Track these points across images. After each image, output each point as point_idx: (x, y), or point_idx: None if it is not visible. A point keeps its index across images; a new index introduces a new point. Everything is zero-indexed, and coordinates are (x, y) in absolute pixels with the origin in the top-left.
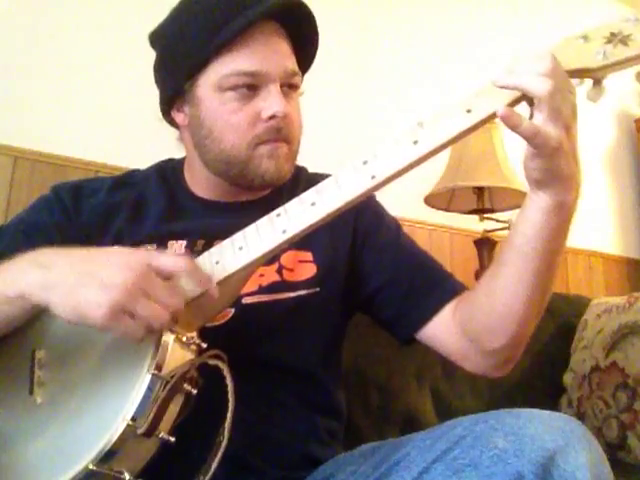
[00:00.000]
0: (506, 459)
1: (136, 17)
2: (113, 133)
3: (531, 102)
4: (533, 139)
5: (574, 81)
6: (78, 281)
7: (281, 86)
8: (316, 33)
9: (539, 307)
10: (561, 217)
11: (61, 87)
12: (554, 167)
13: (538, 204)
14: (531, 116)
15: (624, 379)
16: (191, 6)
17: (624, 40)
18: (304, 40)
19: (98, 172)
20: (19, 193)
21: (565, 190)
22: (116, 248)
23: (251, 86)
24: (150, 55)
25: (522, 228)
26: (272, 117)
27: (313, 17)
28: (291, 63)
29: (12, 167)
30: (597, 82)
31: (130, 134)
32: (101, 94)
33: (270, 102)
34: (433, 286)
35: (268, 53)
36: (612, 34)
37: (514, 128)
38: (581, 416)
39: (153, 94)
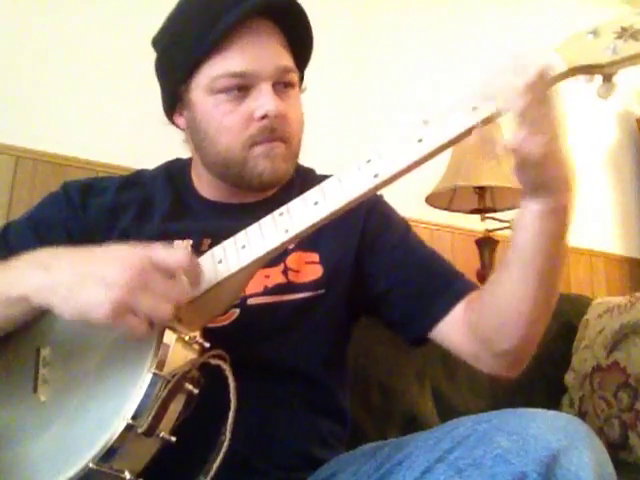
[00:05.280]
0: (509, 459)
1: (138, 17)
2: (114, 133)
3: None
4: (515, 153)
5: (583, 78)
6: (79, 281)
7: (275, 84)
8: (308, 26)
9: (547, 308)
10: (558, 221)
11: (63, 87)
12: (546, 175)
13: (533, 208)
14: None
15: (626, 379)
16: (183, 10)
17: (635, 35)
18: (297, 35)
19: (99, 172)
20: (21, 193)
21: (559, 195)
22: (116, 245)
23: (242, 87)
24: (151, 54)
25: (521, 233)
26: (265, 117)
27: (303, 11)
28: (284, 60)
29: (14, 167)
30: (607, 78)
31: (131, 134)
32: (103, 94)
33: (262, 101)
34: (443, 286)
35: (257, 52)
36: (623, 29)
37: (492, 148)
38: (582, 416)
39: (155, 94)
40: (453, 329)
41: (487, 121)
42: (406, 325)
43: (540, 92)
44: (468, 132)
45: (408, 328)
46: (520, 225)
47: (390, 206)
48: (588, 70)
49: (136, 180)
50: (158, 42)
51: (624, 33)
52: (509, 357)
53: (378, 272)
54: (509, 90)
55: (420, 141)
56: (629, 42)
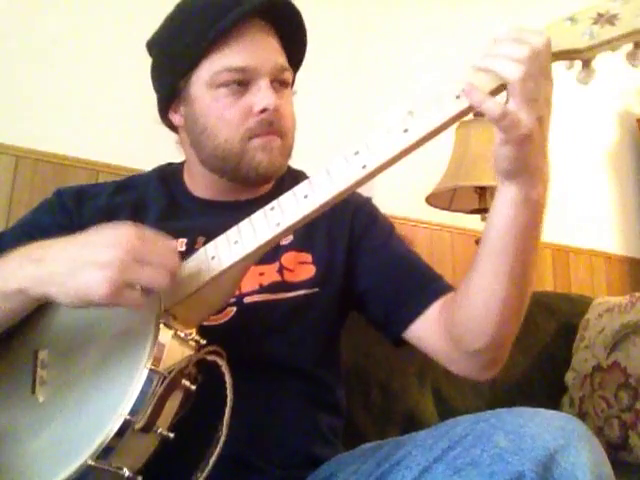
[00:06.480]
0: (507, 458)
1: (137, 17)
2: (114, 133)
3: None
4: (500, 120)
5: (563, 64)
6: (73, 266)
7: (272, 82)
8: (304, 30)
9: (517, 308)
10: (529, 212)
11: (63, 87)
12: (523, 156)
13: (506, 197)
14: (507, 100)
15: (626, 379)
16: (183, 9)
17: (611, 20)
18: (292, 37)
19: (99, 172)
20: (21, 193)
21: (532, 183)
22: (102, 226)
23: (242, 82)
24: None
25: (493, 223)
26: (263, 111)
27: (299, 14)
28: (280, 59)
29: (14, 167)
30: (586, 64)
31: (131, 134)
32: (103, 94)
33: (261, 96)
34: (418, 288)
35: (257, 49)
36: (599, 14)
37: (478, 104)
38: (582, 416)
39: (154, 94)
40: (427, 330)
41: (470, 109)
42: (384, 325)
43: (543, 62)
44: (452, 120)
45: (386, 328)
46: (492, 214)
47: (376, 208)
48: (567, 55)
49: (129, 184)
50: (156, 41)
51: (600, 19)
52: (481, 358)
53: (361, 272)
54: (507, 57)
55: (406, 131)
56: (605, 27)
